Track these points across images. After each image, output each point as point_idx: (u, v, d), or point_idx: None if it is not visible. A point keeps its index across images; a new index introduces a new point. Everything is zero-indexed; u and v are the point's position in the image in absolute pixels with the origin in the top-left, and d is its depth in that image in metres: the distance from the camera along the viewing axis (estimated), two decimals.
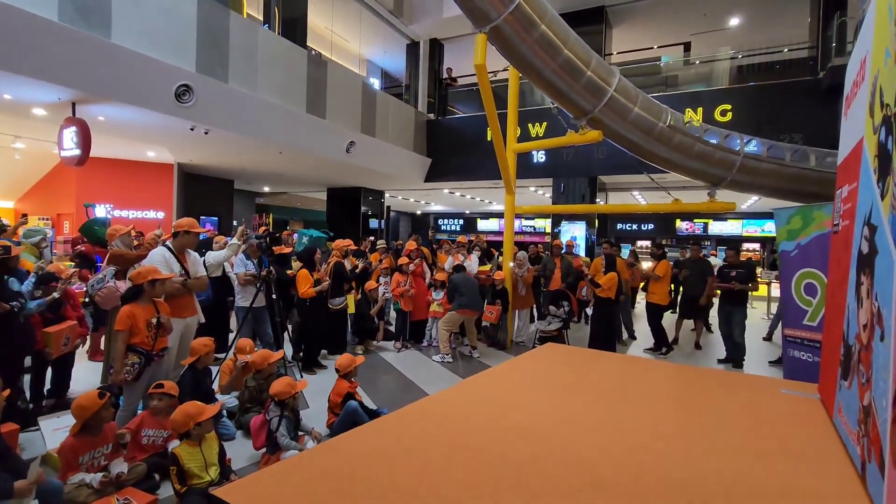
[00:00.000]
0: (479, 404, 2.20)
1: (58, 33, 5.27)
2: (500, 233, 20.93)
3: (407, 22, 12.09)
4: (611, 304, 6.19)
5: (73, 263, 5.37)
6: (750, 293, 6.58)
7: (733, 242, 15.93)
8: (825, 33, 8.74)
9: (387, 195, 15.25)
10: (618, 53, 11.85)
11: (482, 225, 22.36)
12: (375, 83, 14.47)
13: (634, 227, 19.87)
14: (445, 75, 13.19)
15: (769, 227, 17.22)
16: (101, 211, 10.37)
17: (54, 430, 3.12)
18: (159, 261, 3.51)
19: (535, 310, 8.13)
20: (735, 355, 6.10)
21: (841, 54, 7.97)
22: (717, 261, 10.78)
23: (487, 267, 7.43)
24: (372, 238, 11.16)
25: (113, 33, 5.78)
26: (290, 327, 5.84)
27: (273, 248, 5.04)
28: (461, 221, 23.00)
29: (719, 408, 2.25)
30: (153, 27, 6.22)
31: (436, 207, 21.49)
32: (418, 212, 22.82)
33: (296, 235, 8.74)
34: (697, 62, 11.59)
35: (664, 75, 11.41)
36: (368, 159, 10.38)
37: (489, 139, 11.30)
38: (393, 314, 7.17)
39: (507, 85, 7.55)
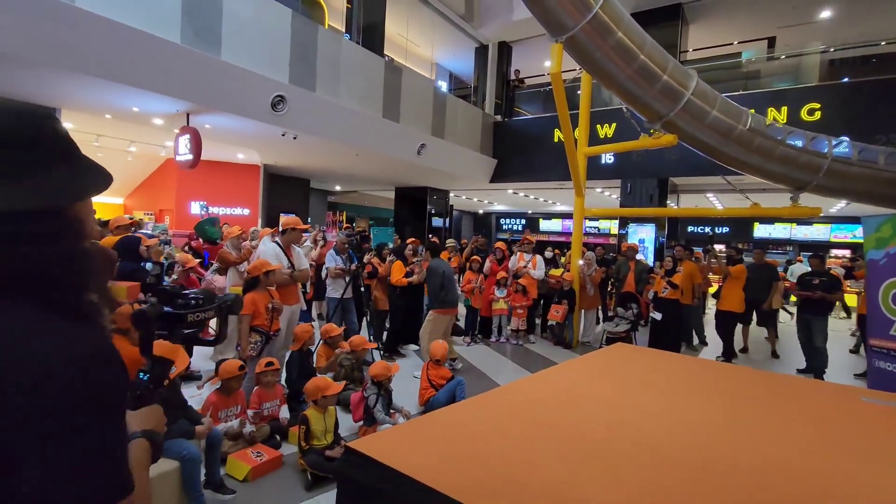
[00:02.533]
0: (556, 393, 2.43)
1: (179, 53, 6.04)
2: (562, 233, 20.76)
3: (476, 26, 12.38)
4: (678, 306, 6.17)
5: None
6: (837, 303, 6.29)
7: (819, 248, 14.88)
8: None
9: (451, 194, 15.65)
10: (694, 50, 11.47)
11: (544, 225, 22.27)
12: (443, 85, 14.89)
13: (707, 230, 19.00)
14: (513, 77, 13.35)
15: (861, 233, 15.89)
16: (195, 207, 11.58)
17: (192, 397, 3.72)
18: (271, 255, 4.04)
19: (601, 311, 8.17)
20: (815, 365, 5.87)
21: None
22: (804, 267, 10.20)
23: (559, 271, 7.55)
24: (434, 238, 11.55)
25: (223, 51, 6.52)
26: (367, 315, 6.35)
27: (362, 245, 5.53)
28: (523, 221, 23.03)
29: (793, 409, 2.33)
30: (255, 44, 6.92)
31: (498, 207, 21.66)
32: (480, 211, 23.10)
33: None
34: (783, 57, 10.98)
35: (745, 71, 10.93)
36: (437, 161, 10.79)
37: (556, 140, 11.37)
38: (462, 310, 7.51)
39: (575, 85, 7.63)
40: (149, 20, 5.62)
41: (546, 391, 2.42)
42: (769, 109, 8.83)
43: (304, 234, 4.75)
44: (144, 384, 0.85)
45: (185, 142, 7.08)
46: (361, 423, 3.47)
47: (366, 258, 6.08)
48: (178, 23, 5.98)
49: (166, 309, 0.87)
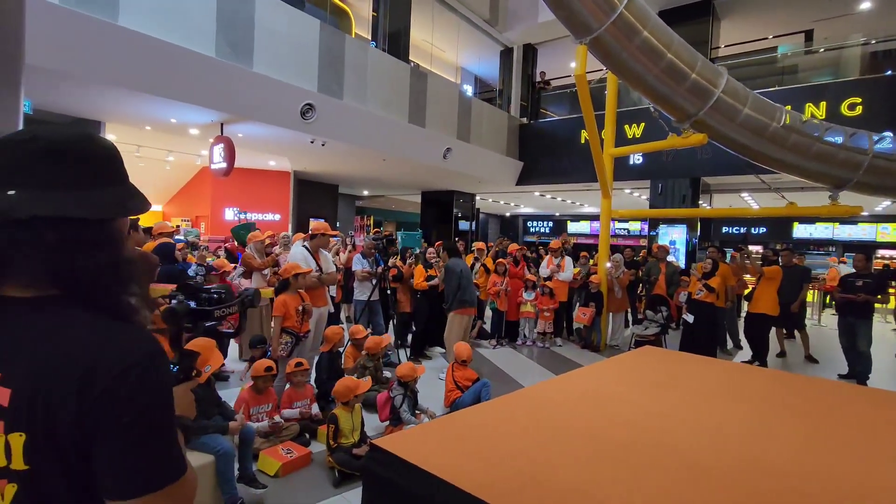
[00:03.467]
0: (579, 395, 2.42)
1: (214, 66, 6.29)
2: (590, 235, 20.46)
3: (501, 29, 12.41)
4: (713, 309, 6.01)
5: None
6: (884, 305, 5.99)
7: (864, 249, 14.18)
8: None
9: (477, 198, 15.68)
10: (726, 46, 11.17)
11: (572, 227, 22.00)
12: (468, 89, 14.95)
13: (743, 230, 18.36)
14: (539, 79, 13.29)
15: None
16: (230, 213, 11.99)
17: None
18: (300, 259, 4.17)
19: (629, 314, 8.04)
20: (859, 369, 5.61)
21: None
22: (847, 268, 9.78)
23: (576, 270, 7.49)
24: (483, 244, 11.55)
25: (255, 63, 6.75)
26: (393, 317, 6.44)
27: (389, 248, 5.63)
28: (550, 223, 22.83)
29: (825, 413, 2.26)
30: (285, 55, 7.14)
31: (525, 210, 21.55)
32: (507, 214, 23.03)
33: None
34: (822, 50, 10.57)
35: (781, 66, 10.57)
36: (463, 164, 10.85)
37: (582, 141, 11.25)
38: (489, 313, 7.52)
39: (602, 85, 7.56)
40: (186, 36, 5.89)
41: (571, 394, 2.42)
42: (807, 105, 8.53)
43: (332, 239, 4.86)
44: (174, 375, 0.93)
45: (219, 150, 7.36)
46: (387, 422, 3.54)
47: (390, 262, 6.18)
48: (214, 37, 6.24)
49: (193, 306, 0.94)
